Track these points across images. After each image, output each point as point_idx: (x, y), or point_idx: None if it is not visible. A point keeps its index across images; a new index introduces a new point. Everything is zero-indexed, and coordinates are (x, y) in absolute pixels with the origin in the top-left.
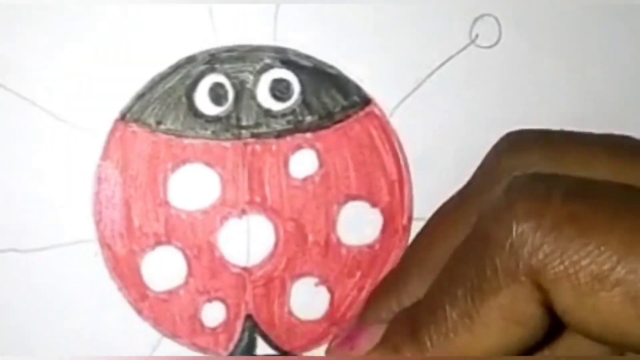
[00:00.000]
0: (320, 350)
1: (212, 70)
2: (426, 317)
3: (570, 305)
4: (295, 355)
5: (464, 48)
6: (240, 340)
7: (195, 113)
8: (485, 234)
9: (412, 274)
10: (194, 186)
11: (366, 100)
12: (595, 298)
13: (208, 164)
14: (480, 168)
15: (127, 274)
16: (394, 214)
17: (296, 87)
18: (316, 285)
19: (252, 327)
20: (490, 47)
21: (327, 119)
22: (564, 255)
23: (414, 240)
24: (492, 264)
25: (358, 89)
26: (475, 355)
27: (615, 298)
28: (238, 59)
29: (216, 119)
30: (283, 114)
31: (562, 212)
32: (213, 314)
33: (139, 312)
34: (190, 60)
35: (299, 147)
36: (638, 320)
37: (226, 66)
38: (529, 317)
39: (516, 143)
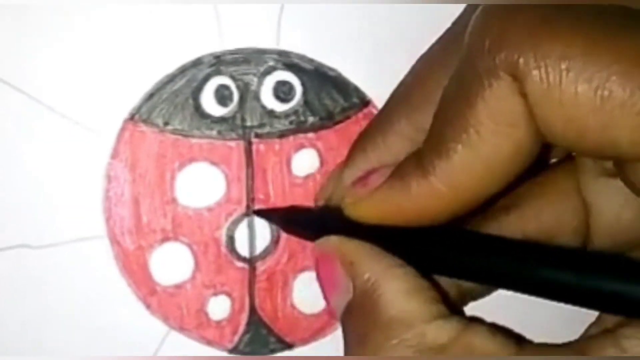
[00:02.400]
0: (323, 342)
1: (218, 72)
2: (428, 145)
3: (539, 97)
4: (295, 346)
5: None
6: (245, 333)
7: (202, 114)
8: (466, 46)
9: (398, 110)
10: (200, 184)
11: (365, 102)
12: (561, 90)
13: (214, 163)
14: (462, 12)
15: (135, 269)
16: None
17: (298, 88)
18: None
19: (257, 320)
20: None
21: (328, 120)
22: (535, 51)
23: (399, 83)
24: (474, 69)
25: (357, 91)
26: (478, 176)
27: (579, 89)
28: (243, 61)
29: (221, 120)
30: (286, 115)
31: (535, 14)
32: (219, 307)
33: (148, 306)
34: (197, 62)
35: (301, 146)
36: (598, 112)
37: (231, 68)
38: (517, 114)
39: None
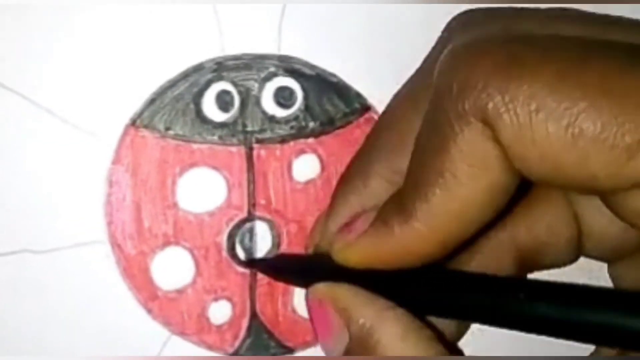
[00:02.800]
0: None
1: (219, 78)
2: (407, 188)
3: (511, 139)
4: (296, 351)
5: None
6: (245, 337)
7: (203, 119)
8: (435, 89)
9: (375, 153)
10: (201, 189)
11: (366, 107)
12: (533, 130)
13: (215, 168)
14: (433, 48)
15: (137, 274)
16: None
17: (299, 94)
18: None
19: (258, 324)
20: None
21: (328, 125)
22: (503, 93)
23: (373, 126)
24: (444, 115)
25: (358, 96)
26: (457, 217)
27: (550, 129)
28: (244, 67)
29: (223, 125)
30: (287, 120)
31: (502, 53)
32: (220, 312)
33: (149, 310)
34: (198, 68)
35: (301, 151)
36: (571, 149)
37: (232, 74)
38: (490, 157)
39: (467, 19)
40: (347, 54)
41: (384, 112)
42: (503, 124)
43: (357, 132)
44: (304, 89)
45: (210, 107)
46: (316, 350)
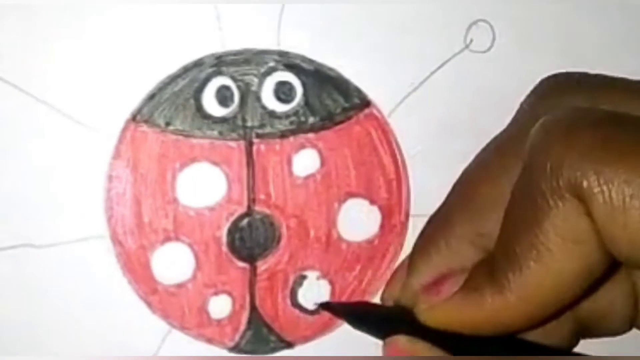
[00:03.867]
0: (323, 341)
1: (219, 73)
2: (499, 258)
3: (604, 220)
4: (296, 345)
5: (459, 52)
6: (245, 331)
7: (203, 114)
8: (528, 165)
9: (459, 214)
10: (201, 184)
11: (366, 102)
12: (626, 215)
13: (215, 163)
14: (518, 112)
15: (137, 269)
16: (392, 211)
17: (299, 89)
18: (318, 278)
19: (257, 319)
20: (484, 51)
21: (328, 120)
22: (598, 175)
23: (452, 189)
24: (539, 189)
25: (358, 92)
26: (550, 290)
27: None
28: (243, 62)
29: (222, 120)
30: (286, 115)
31: (596, 136)
32: (220, 306)
33: (149, 305)
34: (198, 63)
35: (301, 146)
36: None
37: (232, 69)
38: (584, 232)
39: (553, 85)
40: (346, 49)
41: (469, 171)
42: (597, 204)
43: (357, 127)
44: (303, 84)
45: (210, 102)
46: (315, 344)
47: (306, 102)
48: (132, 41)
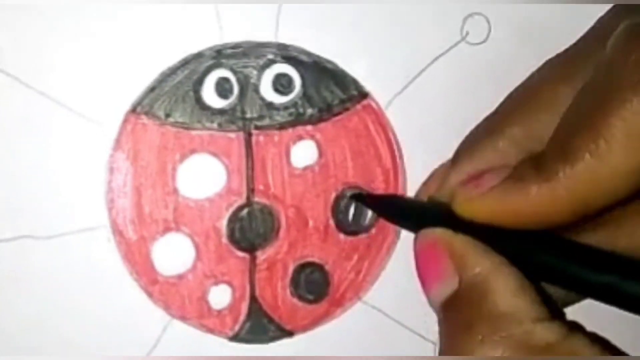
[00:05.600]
0: (322, 330)
1: (218, 65)
2: (551, 152)
3: None
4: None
5: (455, 45)
6: (245, 321)
7: (202, 106)
8: (608, 59)
9: (511, 115)
10: (201, 175)
11: (363, 94)
12: None
13: (214, 154)
14: (596, 26)
15: (138, 259)
16: None
17: (297, 81)
18: (316, 267)
19: (257, 308)
20: (480, 43)
21: (326, 112)
22: None
23: (509, 94)
24: (613, 81)
25: (356, 84)
26: (601, 185)
27: None
28: (243, 54)
29: (222, 112)
30: (285, 107)
31: None
32: (220, 296)
33: (150, 295)
34: (198, 56)
35: (299, 138)
36: None
37: (231, 61)
38: None
39: (627, 7)
40: (344, 41)
41: (529, 78)
42: None
43: (355, 118)
44: (301, 76)
45: (209, 94)
46: (315, 334)
47: (304, 94)
48: (132, 34)
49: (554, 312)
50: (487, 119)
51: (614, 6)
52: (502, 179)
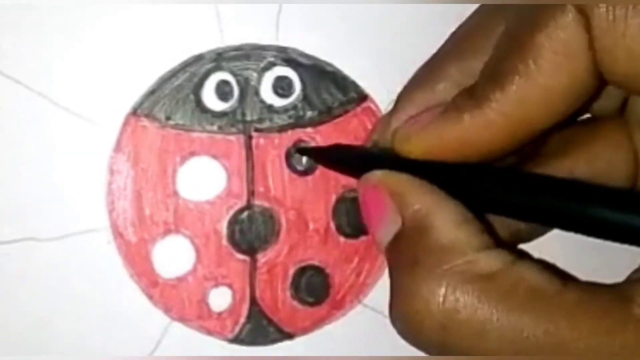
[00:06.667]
0: (322, 332)
1: (219, 68)
2: (482, 77)
3: (603, 30)
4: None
5: None
6: (245, 323)
7: (203, 109)
8: None
9: (448, 54)
10: (201, 178)
11: (363, 97)
12: (626, 24)
13: (214, 157)
14: None
15: (138, 261)
16: None
17: (297, 84)
18: (317, 270)
19: (257, 311)
20: None
21: (326, 114)
22: None
23: (454, 30)
24: (540, 5)
25: (355, 86)
26: (533, 106)
27: None
28: (243, 57)
29: (222, 114)
30: (285, 110)
31: None
32: (220, 298)
33: (150, 297)
34: (198, 58)
35: (300, 140)
36: None
37: (232, 64)
38: (578, 47)
39: None
40: (344, 44)
41: (468, 18)
42: (598, 13)
43: (355, 121)
44: (301, 78)
45: (209, 97)
46: (315, 336)
47: (304, 97)
48: (133, 36)
49: (500, 242)
50: (426, 64)
51: None
52: (439, 113)
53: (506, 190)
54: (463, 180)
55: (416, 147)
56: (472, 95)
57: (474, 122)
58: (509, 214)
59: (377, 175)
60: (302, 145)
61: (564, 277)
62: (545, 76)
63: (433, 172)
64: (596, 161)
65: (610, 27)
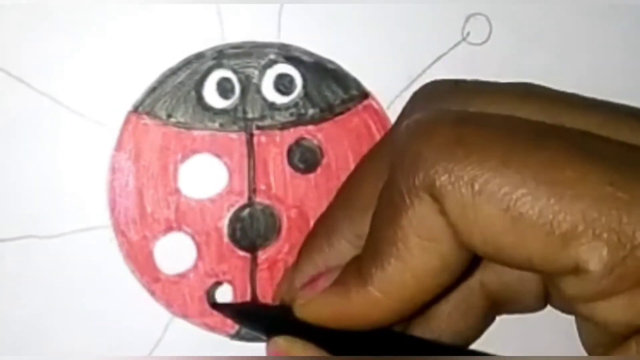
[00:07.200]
0: None
1: (220, 65)
2: (365, 254)
3: (457, 216)
4: None
5: (457, 45)
6: None
7: (204, 106)
8: (391, 161)
9: (339, 215)
10: (202, 175)
11: (365, 94)
12: (476, 211)
13: (216, 155)
14: (398, 118)
15: (140, 259)
16: None
17: (299, 81)
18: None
19: None
20: (481, 44)
21: (328, 112)
22: (450, 172)
23: (338, 190)
24: (397, 188)
25: (357, 84)
26: (410, 286)
27: (491, 211)
28: (244, 55)
29: (223, 112)
30: (286, 107)
31: (450, 135)
32: (221, 295)
33: (152, 294)
34: (199, 56)
35: (301, 138)
36: (510, 232)
37: (233, 62)
38: (439, 230)
39: (430, 91)
40: (345, 42)
41: (352, 173)
42: (449, 201)
43: (356, 118)
44: (303, 76)
45: (211, 95)
46: None
47: (306, 94)
48: (134, 34)
49: None
50: (323, 216)
51: (417, 90)
52: (332, 280)
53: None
54: (359, 348)
55: (312, 314)
56: (358, 272)
57: (360, 298)
58: None
59: (280, 342)
60: (214, 302)
61: None
62: (416, 259)
63: (333, 340)
64: (506, 275)
65: (462, 214)
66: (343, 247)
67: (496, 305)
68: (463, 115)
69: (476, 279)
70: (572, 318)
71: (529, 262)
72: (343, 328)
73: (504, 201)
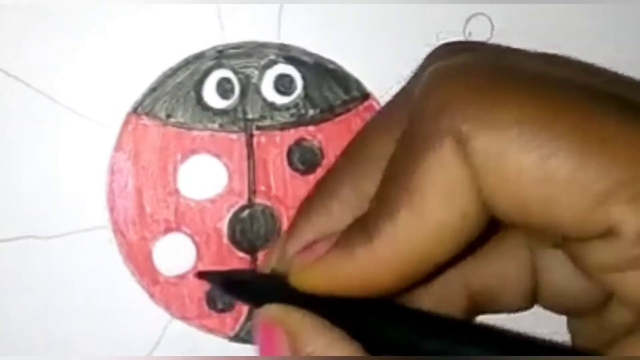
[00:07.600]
0: None
1: (220, 65)
2: (373, 207)
3: (482, 165)
4: None
5: None
6: (246, 321)
7: (204, 106)
8: (413, 108)
9: (341, 177)
10: (202, 176)
11: (365, 95)
12: (504, 160)
13: (216, 155)
14: (411, 76)
15: (139, 260)
16: None
17: (299, 82)
18: None
19: None
20: None
21: (328, 112)
22: (481, 117)
23: (344, 149)
24: (420, 131)
25: (358, 84)
26: (424, 248)
27: (522, 161)
28: (244, 55)
29: (223, 112)
30: (287, 108)
31: (484, 77)
32: (220, 297)
33: (151, 295)
34: (199, 56)
35: (302, 139)
36: (541, 186)
37: (233, 62)
38: (460, 183)
39: (451, 48)
40: (346, 42)
41: (357, 135)
42: (476, 148)
43: (357, 119)
44: (303, 76)
45: (210, 95)
46: None
47: (306, 95)
48: (134, 34)
49: None
50: (322, 180)
51: (430, 52)
52: (332, 244)
53: (399, 330)
54: (359, 318)
55: (310, 282)
56: (362, 227)
57: (365, 257)
58: (400, 353)
59: (273, 310)
60: (203, 270)
61: None
62: (433, 212)
63: (331, 308)
64: (486, 272)
65: (488, 164)
66: (344, 211)
67: (478, 305)
68: (494, 65)
69: (458, 279)
70: (563, 319)
71: (556, 222)
72: (347, 295)
73: (538, 152)
